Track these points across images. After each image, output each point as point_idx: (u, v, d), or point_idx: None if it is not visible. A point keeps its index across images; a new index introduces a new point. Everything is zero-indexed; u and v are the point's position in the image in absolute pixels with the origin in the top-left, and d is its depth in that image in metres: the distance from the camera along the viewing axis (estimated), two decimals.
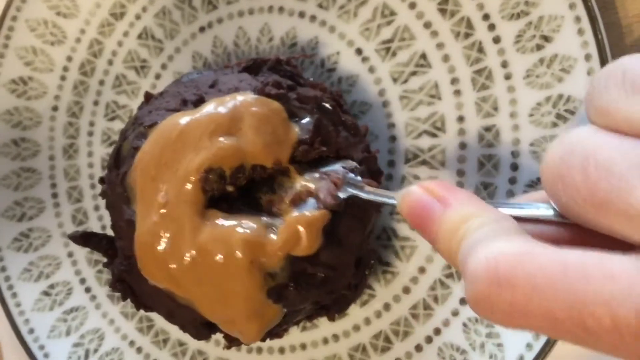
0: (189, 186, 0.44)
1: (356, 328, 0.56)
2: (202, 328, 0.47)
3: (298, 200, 0.44)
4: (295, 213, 0.43)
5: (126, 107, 0.65)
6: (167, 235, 0.44)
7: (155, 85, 0.64)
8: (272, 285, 0.43)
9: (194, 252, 0.43)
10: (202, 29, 0.63)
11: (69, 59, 0.67)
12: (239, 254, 0.42)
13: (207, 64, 0.63)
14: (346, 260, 0.46)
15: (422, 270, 0.55)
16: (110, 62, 0.66)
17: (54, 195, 0.67)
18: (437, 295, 0.54)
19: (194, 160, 0.44)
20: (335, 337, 0.57)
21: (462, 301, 0.53)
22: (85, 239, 0.52)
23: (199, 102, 0.48)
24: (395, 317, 0.55)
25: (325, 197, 0.43)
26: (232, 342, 0.48)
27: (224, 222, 0.43)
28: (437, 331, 0.54)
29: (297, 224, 0.43)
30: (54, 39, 0.67)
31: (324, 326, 0.57)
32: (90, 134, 0.66)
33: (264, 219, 0.44)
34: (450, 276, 0.54)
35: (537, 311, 0.23)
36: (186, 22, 0.63)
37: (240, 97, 0.46)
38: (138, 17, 0.65)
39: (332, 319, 0.52)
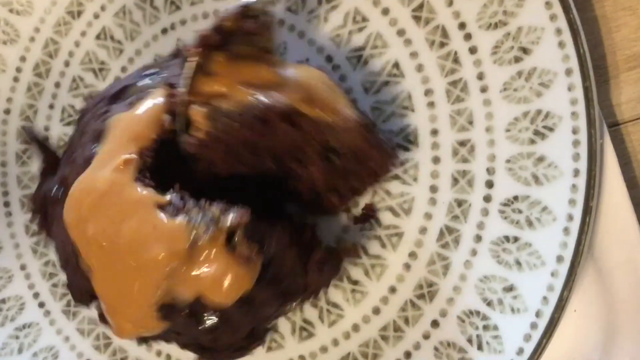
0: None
1: (323, 349, 0.54)
2: (85, 296, 0.48)
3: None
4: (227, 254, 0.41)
5: None
6: (102, 199, 0.43)
7: None
8: (167, 302, 0.42)
9: (118, 230, 0.42)
10: (164, 31, 0.59)
11: (23, 59, 0.63)
12: (156, 270, 0.41)
13: None
14: (240, 324, 0.45)
15: (392, 290, 0.52)
16: (66, 64, 0.62)
17: (6, 204, 0.63)
18: (408, 316, 0.52)
19: None
20: (302, 359, 0.54)
21: (434, 324, 0.51)
22: (36, 140, 0.53)
23: None
24: (365, 338, 0.53)
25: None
26: None
27: (162, 220, 0.41)
28: (408, 354, 0.51)
29: (226, 275, 0.41)
30: (7, 37, 0.63)
31: (290, 347, 0.54)
32: (45, 139, 0.63)
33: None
34: (422, 297, 0.51)
35: None
36: (148, 22, 0.60)
37: None
38: (96, 16, 0.61)
39: None
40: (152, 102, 0.46)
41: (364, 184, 0.49)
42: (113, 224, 0.42)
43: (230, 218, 0.41)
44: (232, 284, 0.41)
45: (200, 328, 0.43)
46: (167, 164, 0.46)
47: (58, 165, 0.52)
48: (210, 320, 0.43)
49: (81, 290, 0.48)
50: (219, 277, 0.41)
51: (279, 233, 0.43)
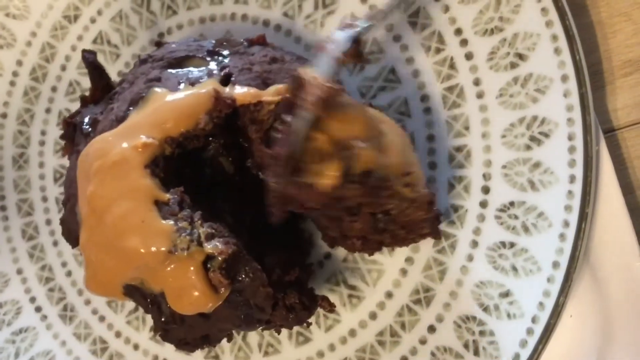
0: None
1: (320, 354, 0.54)
2: (73, 238, 0.49)
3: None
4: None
5: None
6: (109, 169, 0.43)
7: None
8: (135, 284, 0.43)
9: (109, 206, 0.42)
10: (161, 35, 0.59)
11: (19, 63, 0.63)
12: (131, 259, 0.42)
13: None
14: (194, 328, 0.45)
15: (389, 295, 0.52)
16: (63, 68, 0.62)
17: (2, 208, 0.63)
18: (405, 321, 0.52)
19: None
20: None
21: (431, 329, 0.51)
22: (94, 66, 0.52)
23: None
24: (361, 344, 0.53)
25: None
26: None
27: (151, 218, 0.41)
28: None
29: (190, 292, 0.41)
30: (3, 41, 0.63)
31: (286, 352, 0.54)
32: (42, 143, 0.63)
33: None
34: (418, 302, 0.51)
35: None
36: (144, 27, 0.60)
37: None
38: (93, 20, 0.61)
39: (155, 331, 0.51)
40: (198, 96, 0.45)
41: (395, 244, 0.49)
42: (108, 197, 0.43)
43: (212, 245, 0.41)
44: (192, 302, 0.41)
45: (158, 316, 0.44)
46: (185, 161, 0.45)
47: (102, 96, 0.52)
48: (167, 313, 0.44)
49: (71, 231, 0.49)
50: (183, 290, 0.41)
51: (257, 274, 0.42)
